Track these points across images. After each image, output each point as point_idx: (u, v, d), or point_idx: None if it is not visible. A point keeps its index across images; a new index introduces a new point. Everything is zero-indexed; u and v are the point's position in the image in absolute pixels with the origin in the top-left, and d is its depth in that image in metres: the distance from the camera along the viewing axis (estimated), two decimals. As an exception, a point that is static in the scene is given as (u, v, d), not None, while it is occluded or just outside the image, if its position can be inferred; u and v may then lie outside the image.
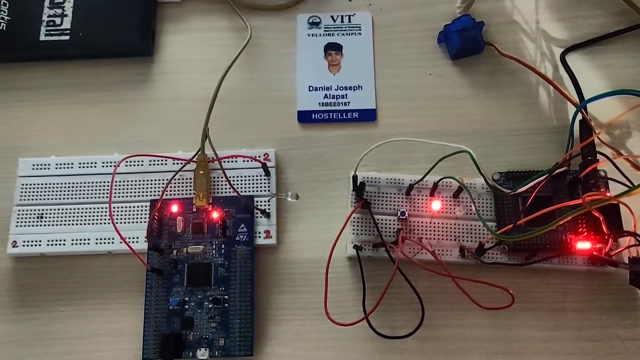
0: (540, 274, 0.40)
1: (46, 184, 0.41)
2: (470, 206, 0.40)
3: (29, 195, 0.41)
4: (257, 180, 0.42)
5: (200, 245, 0.40)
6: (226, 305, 0.38)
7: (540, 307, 0.39)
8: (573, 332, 0.39)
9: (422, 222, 0.40)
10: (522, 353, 0.38)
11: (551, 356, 0.38)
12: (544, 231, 0.31)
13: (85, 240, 0.40)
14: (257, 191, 0.41)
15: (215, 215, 0.40)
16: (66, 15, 0.46)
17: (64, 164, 0.42)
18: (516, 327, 0.39)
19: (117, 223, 0.39)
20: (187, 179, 0.42)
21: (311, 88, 0.45)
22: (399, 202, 0.41)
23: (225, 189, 0.41)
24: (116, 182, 0.41)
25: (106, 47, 0.45)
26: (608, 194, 0.38)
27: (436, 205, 0.39)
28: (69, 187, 0.41)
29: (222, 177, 0.41)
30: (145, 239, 0.40)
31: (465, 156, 0.35)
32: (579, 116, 0.41)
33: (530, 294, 0.39)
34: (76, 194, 0.41)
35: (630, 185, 0.37)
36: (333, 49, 0.46)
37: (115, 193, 0.41)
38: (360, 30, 0.46)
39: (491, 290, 0.37)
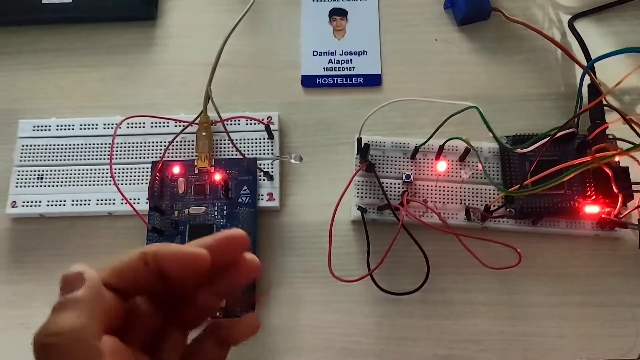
0: (547, 239, 0.39)
1: (47, 145, 0.41)
2: (477, 165, 0.39)
3: (29, 156, 0.41)
4: (260, 143, 0.41)
5: (202, 207, 0.39)
6: (228, 266, 0.38)
7: (547, 273, 0.39)
8: (580, 297, 0.38)
9: (427, 186, 0.39)
10: (528, 318, 0.38)
11: (558, 321, 0.37)
12: (553, 184, 0.31)
13: (85, 201, 0.40)
14: (260, 154, 0.41)
15: (217, 177, 0.39)
16: (69, -22, 0.45)
17: (65, 126, 0.41)
18: (522, 292, 0.38)
19: (117, 184, 0.39)
20: (189, 142, 0.41)
21: (315, 53, 0.44)
22: (404, 165, 0.40)
23: (228, 151, 0.41)
24: (117, 143, 0.41)
25: (109, 10, 0.45)
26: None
27: (441, 166, 0.39)
28: (69, 148, 0.41)
29: (224, 140, 0.41)
30: (147, 201, 0.39)
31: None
32: (587, 79, 0.40)
33: (537, 259, 0.39)
34: (77, 155, 0.41)
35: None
36: (338, 14, 0.45)
37: (116, 154, 0.41)
38: (365, -5, 0.46)
39: (497, 254, 0.36)
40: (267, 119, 0.41)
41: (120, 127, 0.40)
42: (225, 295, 0.25)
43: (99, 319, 0.21)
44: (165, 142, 0.41)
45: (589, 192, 0.38)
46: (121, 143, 0.41)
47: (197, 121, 0.41)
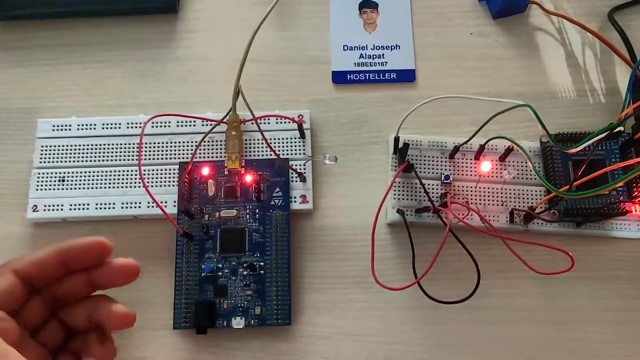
0: (591, 242, 0.38)
1: (67, 146, 0.39)
2: (527, 163, 0.37)
3: (50, 158, 0.39)
4: (291, 142, 0.39)
5: (233, 210, 0.37)
6: (262, 272, 0.36)
7: (592, 276, 0.37)
8: (627, 301, 0.37)
9: (467, 187, 0.38)
10: (574, 323, 0.36)
11: (604, 326, 0.36)
12: (614, 186, 0.29)
13: (110, 204, 0.38)
14: (291, 154, 0.39)
15: (248, 178, 0.38)
16: (87, -30, 0.43)
17: (86, 125, 0.40)
18: (567, 297, 0.37)
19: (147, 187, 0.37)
20: (217, 142, 0.39)
21: (346, 47, 0.42)
22: (442, 165, 0.38)
23: (258, 151, 0.39)
24: (142, 143, 0.39)
25: (129, 3, 0.43)
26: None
27: (486, 166, 0.37)
28: (92, 148, 0.39)
29: (253, 140, 0.39)
30: (174, 204, 0.37)
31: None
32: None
33: (582, 263, 0.37)
34: (100, 156, 0.39)
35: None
36: (368, 6, 0.44)
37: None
38: (396, -13, 0.44)
39: (538, 257, 0.35)
40: (299, 117, 0.39)
41: (145, 127, 0.38)
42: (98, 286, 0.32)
43: None
44: (191, 142, 0.39)
45: (635, 193, 0.37)
46: (146, 143, 0.39)
47: (225, 120, 0.39)
